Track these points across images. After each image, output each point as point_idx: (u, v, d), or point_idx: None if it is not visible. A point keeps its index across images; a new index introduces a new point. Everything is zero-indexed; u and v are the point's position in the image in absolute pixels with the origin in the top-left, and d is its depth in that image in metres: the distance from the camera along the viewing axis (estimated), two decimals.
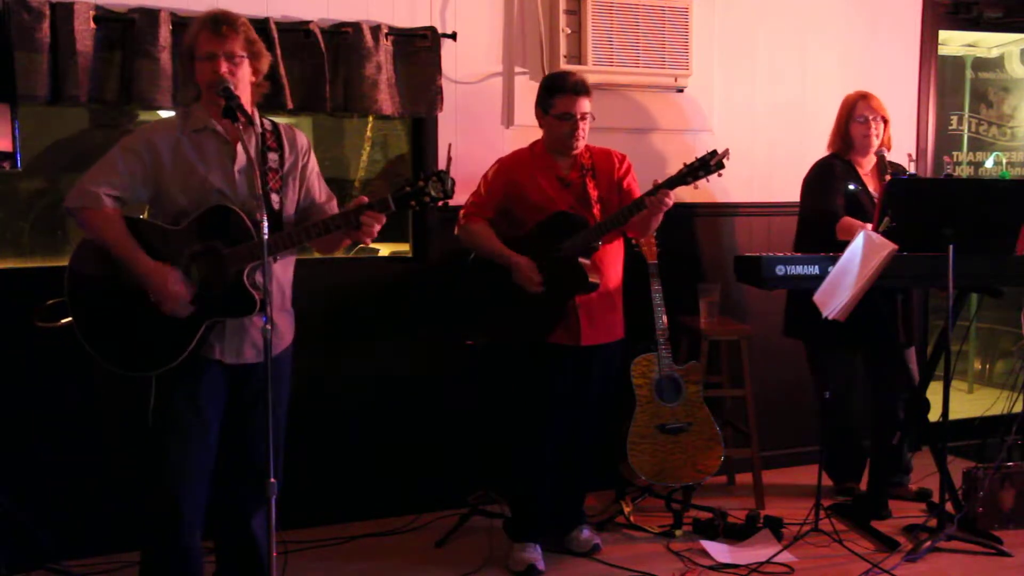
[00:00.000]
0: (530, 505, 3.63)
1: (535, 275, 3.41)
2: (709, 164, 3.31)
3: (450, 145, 2.90)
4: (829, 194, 4.03)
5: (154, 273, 2.67)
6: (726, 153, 3.30)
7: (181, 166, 2.74)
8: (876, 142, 4.06)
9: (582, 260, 3.42)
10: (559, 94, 3.48)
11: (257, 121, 2.81)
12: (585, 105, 3.47)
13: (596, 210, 3.52)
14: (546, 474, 3.60)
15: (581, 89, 3.46)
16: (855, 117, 4.07)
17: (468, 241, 3.58)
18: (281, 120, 3.36)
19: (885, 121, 4.07)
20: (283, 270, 2.90)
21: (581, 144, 3.52)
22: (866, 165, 4.13)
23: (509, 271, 3.45)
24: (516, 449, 3.64)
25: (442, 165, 2.83)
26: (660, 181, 3.34)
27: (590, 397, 3.62)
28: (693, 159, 3.35)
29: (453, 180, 2.73)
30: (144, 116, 3.72)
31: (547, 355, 3.51)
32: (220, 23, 2.70)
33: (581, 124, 3.47)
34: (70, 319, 2.78)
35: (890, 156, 4.06)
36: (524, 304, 3.48)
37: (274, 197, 2.77)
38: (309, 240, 2.77)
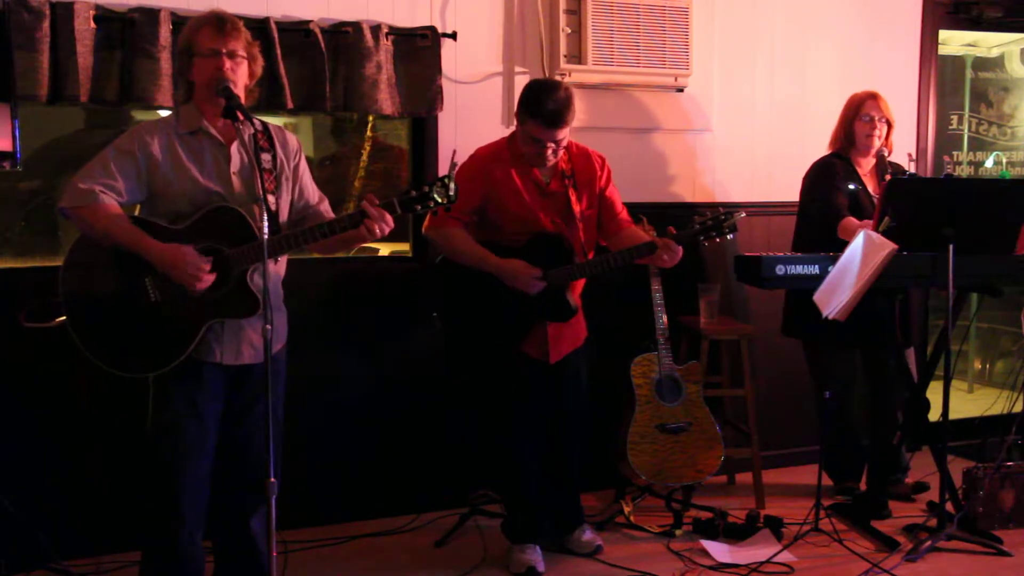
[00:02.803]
0: (523, 507, 3.62)
1: (534, 271, 3.33)
2: (722, 226, 3.34)
3: (454, 152, 2.92)
4: (832, 191, 4.03)
5: (168, 251, 2.65)
6: (740, 215, 3.36)
7: (177, 169, 2.73)
8: (877, 143, 4.05)
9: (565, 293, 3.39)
10: (531, 116, 3.30)
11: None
12: (559, 134, 3.29)
13: (580, 229, 3.44)
14: (531, 477, 3.58)
15: (556, 122, 3.26)
16: (861, 115, 4.07)
17: (444, 244, 3.44)
18: (281, 120, 3.35)
19: (889, 125, 4.06)
20: (276, 270, 2.90)
21: (550, 163, 3.40)
22: (865, 165, 4.13)
23: (497, 277, 3.36)
24: (498, 454, 3.63)
25: (444, 170, 2.86)
26: (674, 231, 3.34)
27: (566, 402, 3.61)
28: (707, 217, 3.36)
29: (457, 186, 2.77)
30: (144, 116, 3.71)
31: (516, 364, 3.48)
32: (225, 21, 2.72)
33: (551, 147, 3.33)
34: (62, 319, 2.76)
35: (890, 157, 4.06)
36: (495, 318, 3.44)
37: (269, 198, 2.76)
38: (315, 241, 2.77)
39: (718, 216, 3.34)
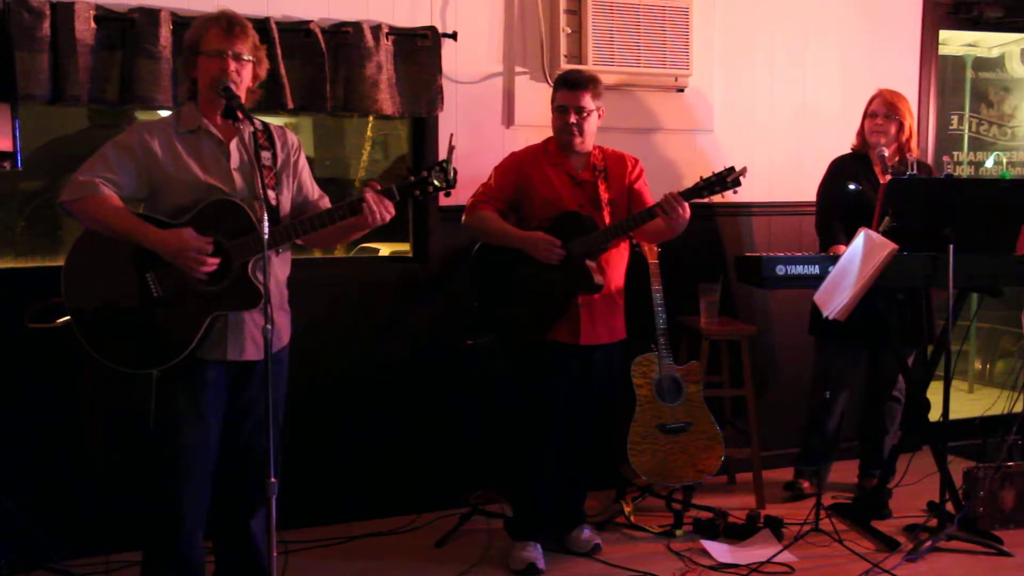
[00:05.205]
0: (531, 504, 3.63)
1: (554, 247, 3.38)
2: (726, 180, 3.32)
3: (452, 135, 2.92)
4: (830, 196, 4.03)
5: (169, 235, 2.65)
6: (743, 171, 3.31)
7: (177, 165, 2.74)
8: (882, 140, 4.04)
9: (588, 262, 3.42)
10: (558, 87, 3.52)
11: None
12: (583, 100, 3.45)
13: (606, 212, 3.51)
14: (547, 473, 3.60)
15: (577, 84, 3.46)
16: (868, 112, 4.09)
17: (477, 226, 3.56)
18: (281, 120, 3.35)
19: (901, 125, 4.04)
20: (280, 268, 2.91)
21: (580, 140, 3.50)
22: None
23: (521, 254, 3.43)
24: (517, 448, 3.65)
25: (443, 155, 2.85)
26: (677, 192, 3.34)
27: (591, 397, 3.62)
28: (711, 173, 3.34)
29: (455, 169, 2.78)
30: (144, 116, 3.71)
31: (548, 353, 3.51)
32: (233, 24, 2.73)
33: (576, 118, 3.46)
34: (65, 319, 2.77)
35: (894, 159, 4.05)
36: (525, 302, 3.49)
37: (270, 194, 2.77)
38: (314, 230, 2.78)
39: (722, 172, 3.33)
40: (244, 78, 2.75)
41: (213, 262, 2.66)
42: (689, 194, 3.32)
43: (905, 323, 4.06)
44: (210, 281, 2.70)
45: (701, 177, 3.35)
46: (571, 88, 3.47)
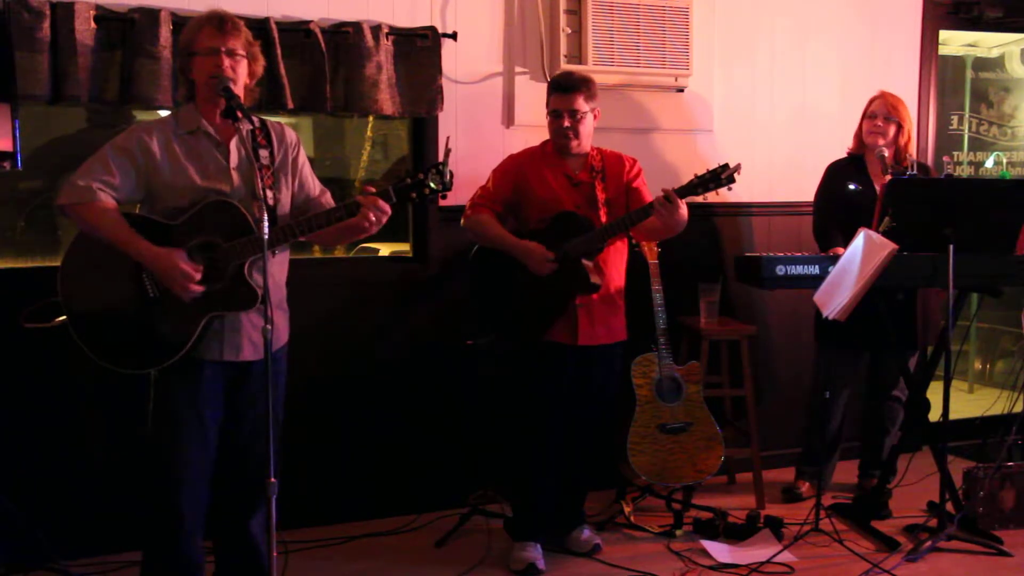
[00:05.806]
0: (531, 504, 3.63)
1: (546, 260, 3.39)
2: (720, 177, 3.30)
3: (448, 138, 2.91)
4: (825, 202, 4.03)
5: (161, 256, 2.66)
6: (737, 167, 3.29)
7: (175, 167, 2.74)
8: (880, 141, 4.04)
9: (585, 261, 3.42)
10: (551, 91, 3.53)
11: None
12: (576, 102, 3.45)
13: (603, 212, 3.51)
14: (547, 473, 3.60)
15: (569, 87, 3.46)
16: (867, 113, 4.09)
17: (474, 231, 3.57)
18: (281, 120, 3.35)
19: (900, 126, 4.05)
20: (278, 268, 2.91)
21: (576, 143, 3.50)
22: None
23: (517, 259, 3.44)
24: (517, 448, 3.65)
25: (440, 158, 2.84)
26: (672, 189, 3.33)
27: (591, 397, 3.62)
28: (704, 170, 3.33)
29: (452, 172, 2.77)
30: (144, 116, 3.71)
31: (547, 354, 3.51)
32: (224, 21, 2.74)
33: (570, 121, 3.46)
34: (62, 318, 2.76)
35: (891, 159, 4.05)
36: (523, 302, 3.49)
37: (268, 193, 2.77)
38: (311, 232, 2.77)
39: (716, 169, 3.33)
40: (239, 74, 2.75)
41: (199, 289, 2.67)
42: (683, 191, 3.32)
43: (900, 328, 4.06)
44: (207, 282, 2.70)
45: (696, 174, 3.35)
46: (563, 92, 3.48)
